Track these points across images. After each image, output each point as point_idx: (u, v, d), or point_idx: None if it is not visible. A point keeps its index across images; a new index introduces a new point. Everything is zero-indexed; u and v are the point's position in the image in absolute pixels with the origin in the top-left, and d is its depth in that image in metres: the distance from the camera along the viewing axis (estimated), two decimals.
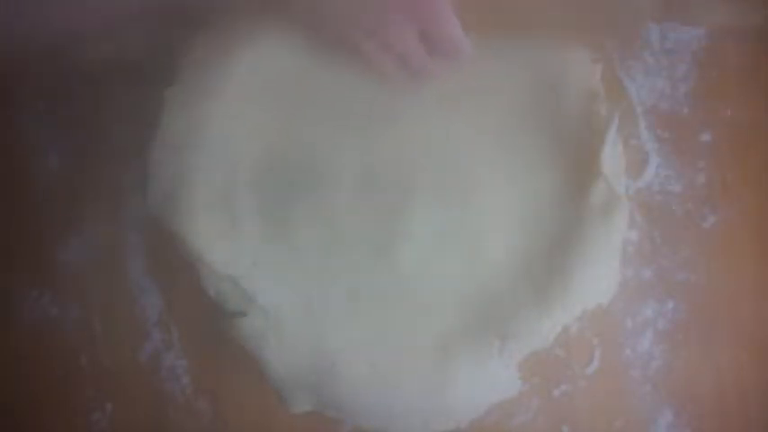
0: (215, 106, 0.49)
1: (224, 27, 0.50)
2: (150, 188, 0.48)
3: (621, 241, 0.49)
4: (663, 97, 0.56)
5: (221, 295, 0.47)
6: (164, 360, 0.54)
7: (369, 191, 0.49)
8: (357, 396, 0.47)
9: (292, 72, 0.50)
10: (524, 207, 0.49)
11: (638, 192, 0.55)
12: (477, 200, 0.49)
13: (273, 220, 0.49)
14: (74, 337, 0.54)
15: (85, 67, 0.56)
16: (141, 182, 0.48)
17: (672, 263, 0.54)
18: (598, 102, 0.50)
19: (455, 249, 0.49)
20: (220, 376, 0.54)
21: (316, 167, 0.49)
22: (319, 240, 0.49)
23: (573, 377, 0.53)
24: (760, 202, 0.55)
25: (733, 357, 0.54)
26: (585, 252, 0.48)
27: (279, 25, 0.50)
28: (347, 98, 0.50)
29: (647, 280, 0.54)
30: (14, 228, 0.55)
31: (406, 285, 0.48)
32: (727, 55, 0.56)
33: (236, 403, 0.54)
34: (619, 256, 0.49)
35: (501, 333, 0.47)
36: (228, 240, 0.48)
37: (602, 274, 0.48)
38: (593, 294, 0.48)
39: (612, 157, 0.50)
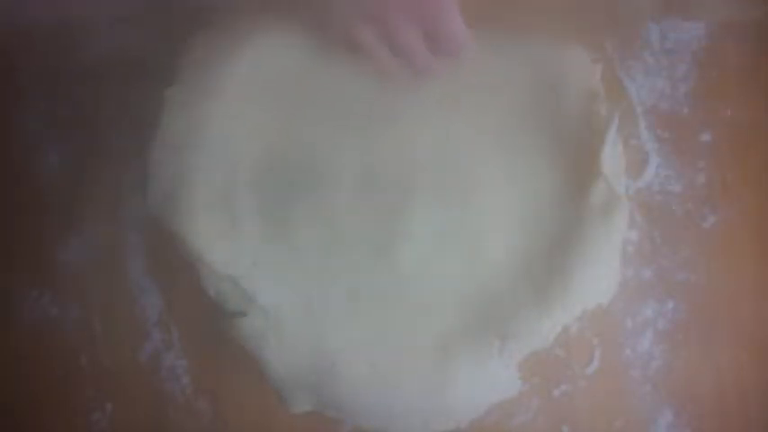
0: (215, 106, 0.49)
1: (224, 27, 0.50)
2: (150, 188, 0.48)
3: (621, 241, 0.49)
4: (663, 97, 0.56)
5: (221, 295, 0.47)
6: (164, 360, 0.54)
7: (369, 191, 0.49)
8: (357, 396, 0.47)
9: (292, 72, 0.50)
10: (524, 207, 0.49)
11: (638, 192, 0.55)
12: (477, 200, 0.49)
13: (273, 220, 0.49)
14: (74, 337, 0.54)
15: (86, 66, 0.56)
16: (141, 182, 0.48)
17: (672, 263, 0.54)
18: (598, 102, 0.50)
19: (455, 249, 0.49)
20: (220, 376, 0.54)
21: (316, 167, 0.49)
22: (319, 240, 0.49)
23: (573, 377, 0.53)
24: (760, 202, 0.55)
25: (733, 357, 0.54)
26: (585, 252, 0.48)
27: (279, 25, 0.50)
28: (347, 98, 0.50)
29: (647, 280, 0.54)
30: (14, 228, 0.56)
31: (406, 285, 0.48)
32: (727, 55, 0.56)
33: (236, 403, 0.54)
34: (619, 256, 0.49)
35: (501, 333, 0.47)
36: (228, 240, 0.48)
37: (602, 274, 0.48)
38: (593, 294, 0.48)
39: (612, 157, 0.50)
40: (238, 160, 0.49)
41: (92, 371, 0.54)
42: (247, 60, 0.49)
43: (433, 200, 0.49)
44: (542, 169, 0.50)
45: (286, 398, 0.47)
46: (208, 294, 0.48)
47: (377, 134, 0.50)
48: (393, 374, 0.47)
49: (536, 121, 0.50)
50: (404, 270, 0.48)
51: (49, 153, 0.56)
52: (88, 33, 0.56)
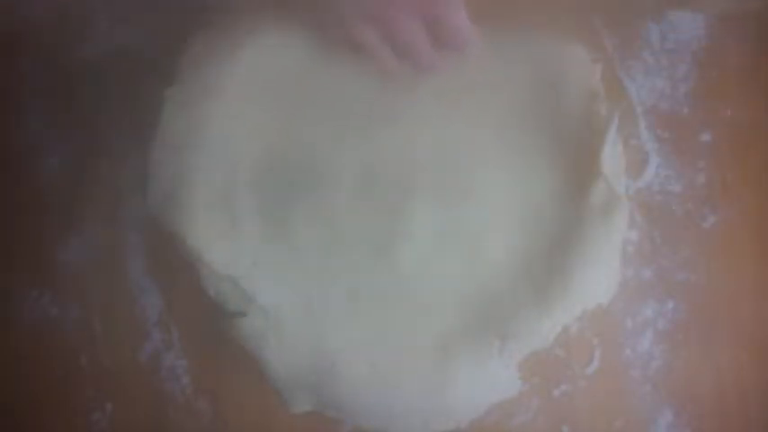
0: (215, 106, 0.49)
1: (224, 27, 0.50)
2: (150, 188, 0.48)
3: (621, 241, 0.49)
4: (663, 97, 0.56)
5: (221, 295, 0.47)
6: (164, 360, 0.54)
7: (369, 191, 0.49)
8: (357, 396, 0.47)
9: (292, 72, 0.50)
10: (524, 207, 0.49)
11: (638, 192, 0.55)
12: (477, 200, 0.49)
13: (273, 220, 0.49)
14: (74, 337, 0.54)
15: (86, 66, 0.56)
16: (141, 182, 0.48)
17: (672, 263, 0.54)
18: (598, 102, 0.50)
19: (455, 249, 0.49)
20: (220, 376, 0.54)
21: (316, 167, 0.49)
22: (319, 240, 0.49)
23: (573, 377, 0.53)
24: (760, 202, 0.55)
25: (733, 357, 0.54)
26: (585, 252, 0.48)
27: (279, 25, 0.50)
28: (347, 98, 0.50)
29: (647, 280, 0.54)
30: (14, 228, 0.56)
31: (406, 285, 0.48)
32: (727, 55, 0.56)
33: (236, 403, 0.54)
34: (619, 256, 0.49)
35: (501, 333, 0.47)
36: (228, 240, 0.48)
37: (602, 274, 0.48)
38: (593, 294, 0.48)
39: (612, 157, 0.50)
40: (238, 160, 0.49)
41: (92, 371, 0.54)
42: (247, 60, 0.49)
43: (433, 200, 0.49)
44: (542, 169, 0.50)
45: (286, 398, 0.47)
46: (208, 294, 0.48)
47: (377, 134, 0.50)
48: (393, 374, 0.47)
49: (536, 121, 0.50)
50: (404, 270, 0.48)
51: (49, 153, 0.56)
52: (88, 33, 0.56)
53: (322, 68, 0.50)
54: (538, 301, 0.47)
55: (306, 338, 0.47)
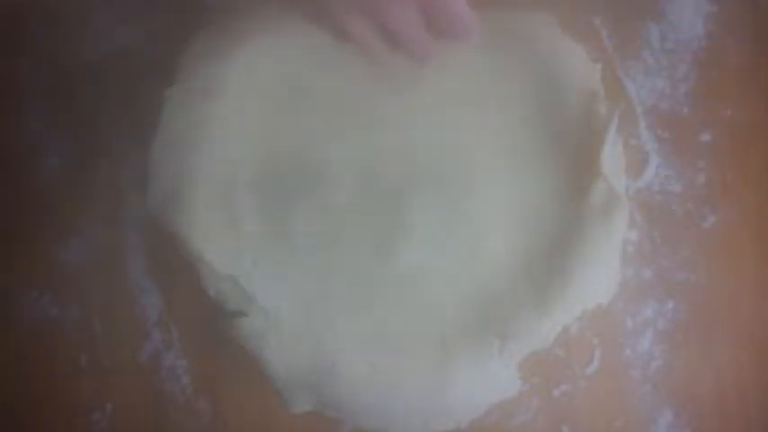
0: (215, 106, 0.49)
1: (224, 27, 0.50)
2: (150, 188, 0.48)
3: (621, 241, 0.49)
4: (663, 97, 0.56)
5: (221, 295, 0.47)
6: (164, 360, 0.54)
7: (369, 191, 0.49)
8: (357, 396, 0.47)
9: (292, 72, 0.50)
10: (524, 207, 0.49)
11: (638, 192, 0.55)
12: (477, 200, 0.49)
13: (273, 219, 0.49)
14: (74, 337, 0.54)
15: (86, 66, 0.56)
16: (141, 182, 0.48)
17: (672, 263, 0.54)
18: (598, 102, 0.50)
19: (455, 249, 0.49)
20: (220, 376, 0.54)
21: (316, 167, 0.49)
22: (319, 240, 0.49)
23: (573, 377, 0.53)
24: (760, 202, 0.55)
25: (733, 357, 0.54)
26: (585, 252, 0.48)
27: (279, 24, 0.50)
28: (347, 98, 0.50)
29: (647, 280, 0.54)
30: (14, 228, 0.55)
31: (406, 285, 0.48)
32: (727, 55, 0.56)
33: (236, 403, 0.54)
34: (619, 256, 0.49)
35: (501, 333, 0.47)
36: (228, 240, 0.48)
37: (602, 274, 0.48)
38: (593, 294, 0.48)
39: (612, 157, 0.50)
40: (238, 160, 0.49)
41: (92, 371, 0.54)
42: (247, 60, 0.49)
43: (433, 200, 0.49)
44: (542, 169, 0.50)
45: (286, 398, 0.47)
46: (208, 294, 0.48)
47: (377, 134, 0.50)
48: (393, 374, 0.47)
49: (536, 121, 0.50)
50: (404, 270, 0.48)
51: (49, 153, 0.56)
52: (88, 33, 0.56)
53: (322, 68, 0.50)
54: (538, 301, 0.47)
55: (306, 338, 0.47)
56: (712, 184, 0.55)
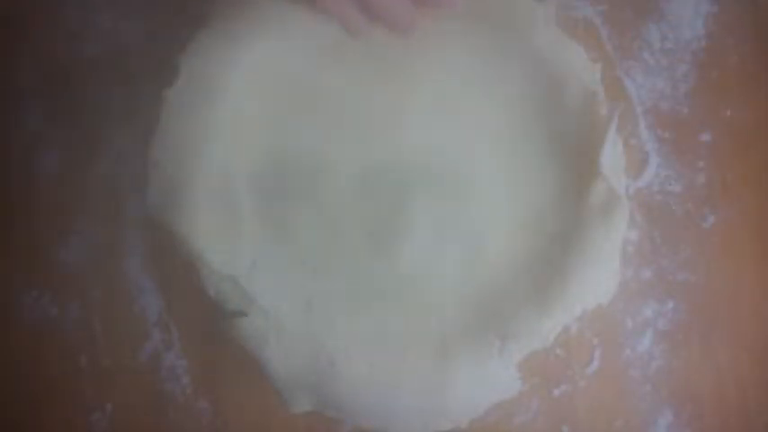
0: (215, 106, 0.48)
1: (224, 27, 0.50)
2: (150, 188, 0.48)
3: (621, 241, 0.49)
4: (663, 97, 0.56)
5: (221, 295, 0.47)
6: (164, 360, 0.54)
7: (369, 191, 0.49)
8: (357, 396, 0.47)
9: (293, 72, 0.50)
10: (524, 207, 0.49)
11: (638, 192, 0.55)
12: (477, 200, 0.49)
13: (273, 219, 0.49)
14: (74, 337, 0.54)
15: (86, 66, 0.56)
16: (141, 182, 0.48)
17: (672, 263, 0.54)
18: (598, 102, 0.50)
19: (455, 249, 0.49)
20: (220, 376, 0.54)
21: (316, 167, 0.49)
22: (319, 240, 0.49)
23: (573, 377, 0.53)
24: (760, 202, 0.55)
25: (733, 357, 0.54)
26: (585, 252, 0.48)
27: (280, 25, 0.50)
28: (348, 98, 0.50)
29: (647, 280, 0.54)
30: (14, 228, 0.55)
31: (406, 285, 0.48)
32: (727, 55, 0.56)
33: (236, 403, 0.54)
34: (619, 257, 0.49)
35: (501, 333, 0.47)
36: (228, 240, 0.48)
37: (602, 274, 0.48)
38: (593, 294, 0.48)
39: (612, 157, 0.50)
40: (238, 160, 0.49)
41: (92, 371, 0.54)
42: (247, 60, 0.49)
43: (433, 200, 0.49)
44: (542, 169, 0.50)
45: (286, 398, 0.47)
46: (208, 294, 0.48)
47: (376, 134, 0.50)
48: (393, 374, 0.47)
49: (536, 121, 0.50)
50: (404, 270, 0.48)
51: (49, 153, 0.56)
52: (88, 33, 0.56)
53: (322, 69, 0.50)
54: (538, 301, 0.47)
55: (306, 338, 0.47)
56: (712, 184, 0.55)
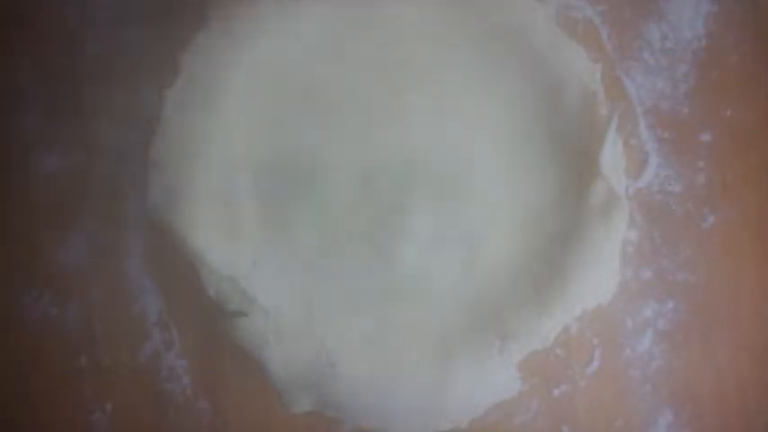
0: (215, 106, 0.49)
1: (224, 27, 0.50)
2: (150, 188, 0.48)
3: (621, 241, 0.49)
4: (663, 97, 0.56)
5: (221, 295, 0.47)
6: (164, 360, 0.54)
7: (369, 191, 0.49)
8: (357, 396, 0.47)
9: (292, 72, 0.50)
10: (524, 207, 0.49)
11: (638, 192, 0.55)
12: (477, 200, 0.49)
13: (273, 220, 0.49)
14: (74, 337, 0.54)
15: (86, 66, 0.56)
16: (141, 182, 0.48)
17: (672, 263, 0.54)
18: (598, 102, 0.50)
19: (455, 249, 0.49)
20: (220, 376, 0.54)
21: (316, 167, 0.49)
22: (319, 240, 0.49)
23: (573, 377, 0.53)
24: (760, 202, 0.55)
25: (733, 357, 0.54)
26: (585, 252, 0.48)
27: (280, 25, 0.50)
28: (347, 98, 0.50)
29: (647, 280, 0.54)
30: (14, 228, 0.55)
31: (405, 285, 0.48)
32: (727, 55, 0.56)
33: (236, 403, 0.54)
34: (619, 257, 0.49)
35: (501, 333, 0.47)
36: (228, 240, 0.48)
37: (601, 274, 0.48)
38: (593, 294, 0.48)
39: (612, 157, 0.50)
40: (238, 160, 0.49)
41: (92, 371, 0.54)
42: (247, 61, 0.49)
43: (433, 200, 0.49)
44: (542, 169, 0.50)
45: (286, 398, 0.47)
46: (208, 294, 0.48)
47: (377, 134, 0.50)
48: (393, 374, 0.47)
49: (536, 121, 0.50)
50: (404, 270, 0.48)
51: (49, 153, 0.56)
52: (88, 33, 0.56)
53: (322, 69, 0.50)
54: (538, 301, 0.47)
55: (306, 338, 0.47)
56: (712, 184, 0.55)
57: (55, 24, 0.57)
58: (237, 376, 0.53)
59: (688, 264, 0.54)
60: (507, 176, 0.50)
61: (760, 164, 0.55)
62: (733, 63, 0.56)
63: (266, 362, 0.47)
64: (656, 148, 0.55)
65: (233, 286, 0.47)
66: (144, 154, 0.48)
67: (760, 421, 0.53)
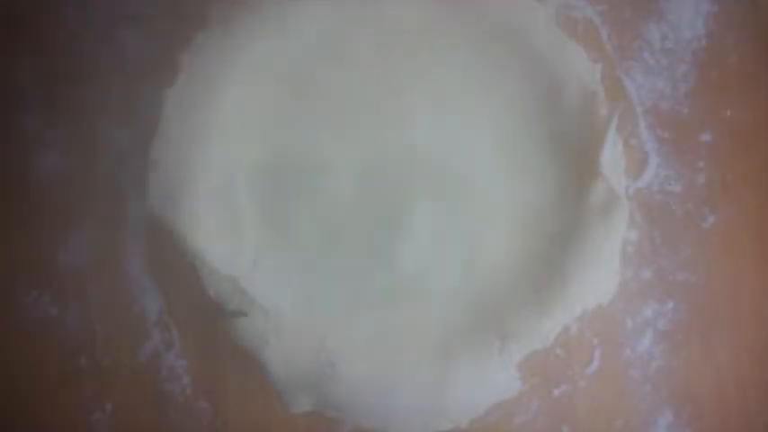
0: (215, 106, 0.49)
1: (224, 27, 0.50)
2: (150, 188, 0.48)
3: (621, 241, 0.49)
4: (663, 97, 0.56)
5: (221, 295, 0.47)
6: (164, 360, 0.54)
7: (369, 191, 0.49)
8: (357, 396, 0.47)
9: (293, 72, 0.50)
10: (524, 207, 0.49)
11: (638, 192, 0.55)
12: (477, 200, 0.49)
13: (273, 220, 0.49)
14: (74, 337, 0.54)
15: (86, 66, 0.56)
16: (141, 182, 0.48)
17: (672, 263, 0.54)
18: (598, 102, 0.50)
19: (455, 249, 0.49)
20: (220, 376, 0.54)
21: (316, 167, 0.49)
22: (319, 240, 0.49)
23: (573, 377, 0.53)
24: (760, 202, 0.55)
25: (733, 357, 0.54)
26: (585, 252, 0.48)
27: (280, 25, 0.50)
28: (347, 99, 0.50)
29: (647, 280, 0.54)
30: (14, 227, 0.55)
31: (406, 285, 0.48)
32: (727, 55, 0.56)
33: (236, 403, 0.54)
34: (619, 257, 0.49)
35: (501, 333, 0.47)
36: (228, 240, 0.48)
37: (601, 274, 0.48)
38: (592, 294, 0.48)
39: (612, 157, 0.50)
40: (238, 160, 0.49)
41: (92, 371, 0.54)
42: (247, 61, 0.49)
43: (433, 200, 0.49)
44: (542, 169, 0.50)
45: (286, 398, 0.47)
46: (208, 294, 0.48)
47: (377, 134, 0.50)
48: (393, 374, 0.47)
49: (536, 121, 0.50)
50: (404, 270, 0.48)
51: (49, 153, 0.56)
52: (88, 33, 0.56)
53: (322, 69, 0.50)
54: (538, 301, 0.47)
55: (306, 338, 0.47)
56: (712, 184, 0.55)
57: (55, 24, 0.57)
58: (237, 376, 0.53)
59: (688, 264, 0.54)
60: (507, 176, 0.50)
61: (760, 164, 0.55)
62: (733, 63, 0.56)
63: (266, 362, 0.47)
64: (656, 148, 0.55)
65: (233, 286, 0.47)
66: (144, 154, 0.48)
67: (760, 421, 0.53)
